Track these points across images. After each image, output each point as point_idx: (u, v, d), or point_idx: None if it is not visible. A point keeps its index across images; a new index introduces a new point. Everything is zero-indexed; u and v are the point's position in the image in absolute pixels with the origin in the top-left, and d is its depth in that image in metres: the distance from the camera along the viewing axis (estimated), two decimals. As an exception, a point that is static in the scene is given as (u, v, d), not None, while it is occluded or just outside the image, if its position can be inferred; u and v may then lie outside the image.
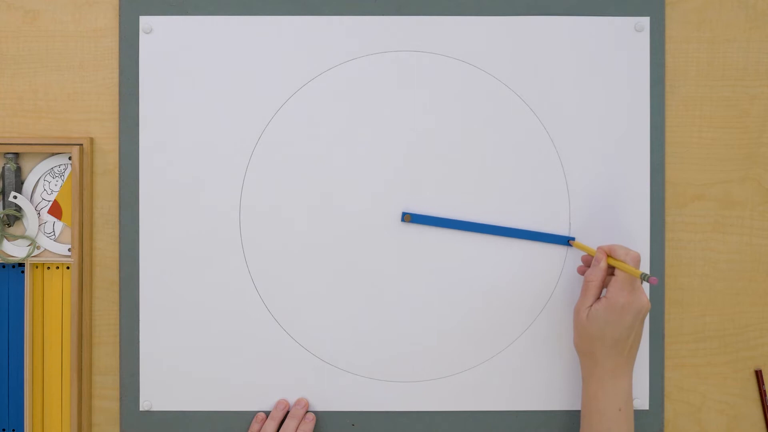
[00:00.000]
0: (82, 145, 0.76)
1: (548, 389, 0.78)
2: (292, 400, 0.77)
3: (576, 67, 0.77)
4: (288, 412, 0.76)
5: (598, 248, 0.72)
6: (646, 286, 0.76)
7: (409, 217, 0.77)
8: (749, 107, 0.79)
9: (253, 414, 0.77)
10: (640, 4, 0.78)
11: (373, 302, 0.77)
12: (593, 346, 0.70)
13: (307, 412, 0.76)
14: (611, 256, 0.71)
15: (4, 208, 0.77)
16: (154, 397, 0.77)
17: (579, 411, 0.77)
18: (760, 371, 0.78)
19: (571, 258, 0.77)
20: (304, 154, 0.77)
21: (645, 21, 0.78)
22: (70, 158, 0.78)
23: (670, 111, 0.78)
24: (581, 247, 0.75)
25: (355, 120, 0.77)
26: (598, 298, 0.71)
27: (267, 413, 0.77)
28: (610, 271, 0.72)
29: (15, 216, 0.78)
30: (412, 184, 0.77)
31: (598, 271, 0.71)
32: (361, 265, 0.77)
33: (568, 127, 0.77)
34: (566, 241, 0.77)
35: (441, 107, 0.77)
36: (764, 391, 0.78)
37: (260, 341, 0.77)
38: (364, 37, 0.77)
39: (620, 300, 0.69)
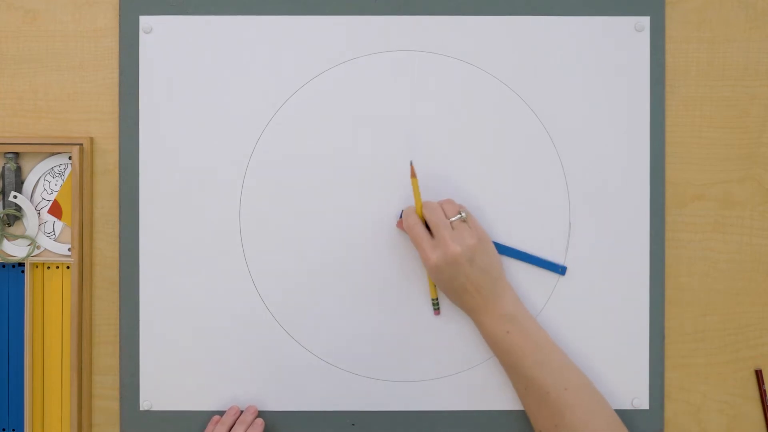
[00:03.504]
0: (82, 144, 0.76)
1: (548, 389, 0.77)
2: (291, 399, 0.77)
3: (576, 66, 0.77)
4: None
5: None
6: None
7: (409, 217, 0.77)
8: (749, 107, 0.79)
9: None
10: (640, 4, 0.78)
11: (373, 301, 0.77)
12: (451, 301, 0.75)
13: (256, 417, 0.76)
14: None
15: (4, 207, 0.77)
16: (154, 397, 0.77)
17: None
18: (760, 371, 0.78)
19: (571, 255, 0.77)
20: (304, 153, 0.77)
21: (645, 21, 0.78)
22: (70, 158, 0.78)
23: (670, 111, 0.78)
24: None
25: (355, 120, 0.77)
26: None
27: (267, 413, 0.77)
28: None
29: (15, 216, 0.78)
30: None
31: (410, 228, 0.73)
32: (361, 264, 0.77)
33: (568, 127, 0.77)
34: (559, 269, 0.77)
35: (441, 107, 0.77)
36: (764, 391, 0.78)
37: (260, 341, 0.77)
38: (364, 37, 0.77)
39: (430, 262, 0.71)
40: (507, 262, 0.77)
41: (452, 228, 0.71)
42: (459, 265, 0.70)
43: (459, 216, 0.71)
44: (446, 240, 0.70)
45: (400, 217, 0.77)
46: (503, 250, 0.76)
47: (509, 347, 0.71)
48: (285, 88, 0.77)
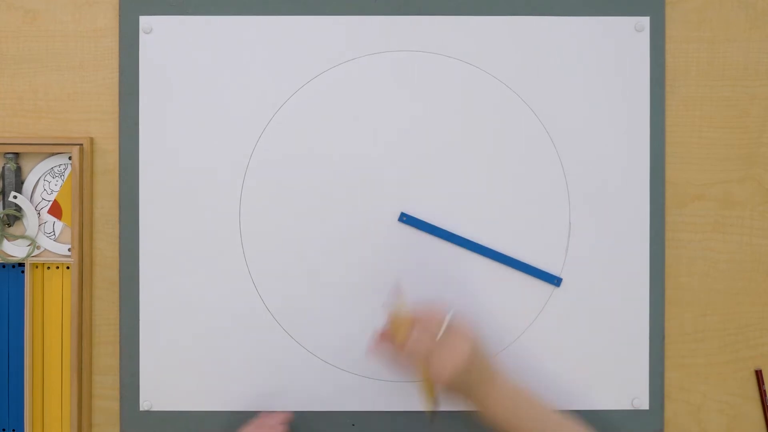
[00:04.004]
0: (82, 145, 0.76)
1: (547, 389, 0.77)
2: (291, 399, 0.77)
3: (576, 66, 0.77)
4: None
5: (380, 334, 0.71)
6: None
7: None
8: (749, 107, 0.79)
9: (253, 414, 0.77)
10: (640, 4, 0.78)
11: (373, 301, 0.77)
12: (453, 397, 0.69)
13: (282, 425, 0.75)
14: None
15: (4, 208, 0.77)
16: (154, 397, 0.77)
17: (577, 410, 0.77)
18: (760, 371, 0.78)
19: (572, 255, 0.77)
20: (304, 153, 0.77)
21: (645, 21, 0.78)
22: (70, 158, 0.78)
23: (670, 111, 0.78)
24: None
25: (355, 120, 0.77)
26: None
27: (271, 413, 0.77)
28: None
29: (15, 216, 0.78)
30: (411, 183, 0.77)
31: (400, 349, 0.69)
32: (361, 264, 0.77)
33: (569, 127, 0.77)
34: (555, 280, 0.77)
35: (441, 107, 0.77)
36: (764, 391, 0.78)
37: (260, 341, 0.77)
38: (364, 37, 0.77)
39: (443, 377, 0.66)
40: (505, 268, 0.77)
41: (445, 343, 0.67)
42: (467, 371, 0.66)
43: (444, 328, 0.67)
44: (443, 352, 0.66)
45: (400, 218, 0.77)
46: (502, 258, 0.77)
47: (513, 420, 0.68)
48: (285, 88, 0.77)
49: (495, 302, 0.77)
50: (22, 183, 0.78)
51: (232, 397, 0.77)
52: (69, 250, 0.78)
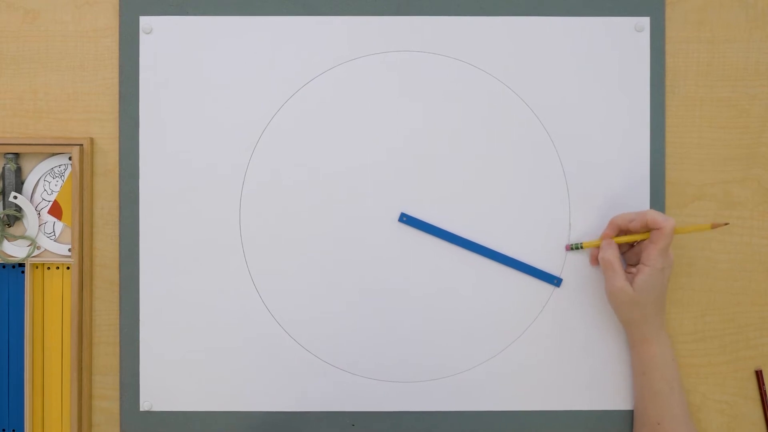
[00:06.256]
0: (82, 145, 0.76)
1: (548, 389, 0.78)
2: (291, 399, 0.77)
3: (576, 67, 0.77)
4: None
5: (603, 234, 0.75)
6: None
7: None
8: (749, 107, 0.79)
9: (253, 414, 0.77)
10: (640, 4, 0.78)
11: (373, 302, 0.77)
12: (645, 311, 0.73)
13: None
14: (625, 232, 0.75)
15: (4, 208, 0.77)
16: (154, 397, 0.77)
17: (577, 411, 0.77)
18: (760, 371, 0.78)
19: (572, 256, 0.77)
20: (304, 153, 0.77)
21: (645, 21, 0.78)
22: (70, 158, 0.78)
23: (670, 111, 0.78)
24: (592, 245, 0.76)
25: (355, 120, 0.77)
26: (626, 270, 0.74)
27: (267, 413, 0.77)
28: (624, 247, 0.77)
29: (15, 216, 0.78)
30: (411, 184, 0.77)
31: (614, 251, 0.74)
32: (361, 265, 0.77)
33: (569, 128, 0.77)
34: (554, 280, 0.77)
35: (441, 107, 0.77)
36: (764, 391, 0.78)
37: (260, 341, 0.77)
38: (364, 38, 0.77)
39: (659, 264, 0.71)
40: (505, 269, 0.77)
41: None
42: (670, 273, 0.74)
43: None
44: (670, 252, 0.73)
45: (400, 219, 0.77)
46: (502, 258, 0.77)
47: (673, 373, 0.74)
48: (285, 88, 0.77)
49: (495, 302, 0.77)
50: (22, 183, 0.78)
51: (232, 398, 0.77)
52: (69, 250, 0.78)
